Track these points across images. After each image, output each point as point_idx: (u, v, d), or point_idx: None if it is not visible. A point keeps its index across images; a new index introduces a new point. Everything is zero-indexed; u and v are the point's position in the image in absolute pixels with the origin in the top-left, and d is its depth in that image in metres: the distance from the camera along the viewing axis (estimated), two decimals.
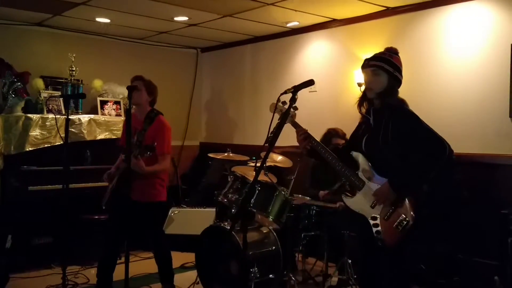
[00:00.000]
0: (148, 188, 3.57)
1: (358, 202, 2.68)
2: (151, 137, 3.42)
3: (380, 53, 2.74)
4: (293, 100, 2.43)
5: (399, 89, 2.71)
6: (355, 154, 2.73)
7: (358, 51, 4.85)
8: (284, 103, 2.60)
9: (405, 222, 2.54)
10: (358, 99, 2.81)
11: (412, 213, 2.54)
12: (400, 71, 2.69)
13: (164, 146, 3.56)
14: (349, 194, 2.73)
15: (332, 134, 4.28)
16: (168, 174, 3.88)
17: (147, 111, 3.63)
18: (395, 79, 2.66)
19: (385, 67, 2.64)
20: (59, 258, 4.42)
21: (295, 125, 2.81)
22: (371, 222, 2.62)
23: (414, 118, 2.61)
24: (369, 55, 2.79)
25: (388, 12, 4.59)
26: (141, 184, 3.47)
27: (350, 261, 3.78)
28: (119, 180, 3.52)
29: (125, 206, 3.31)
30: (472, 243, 3.85)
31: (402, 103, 2.69)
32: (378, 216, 2.61)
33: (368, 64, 2.71)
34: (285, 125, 2.46)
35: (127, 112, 3.06)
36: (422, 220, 2.55)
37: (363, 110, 2.78)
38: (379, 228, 2.59)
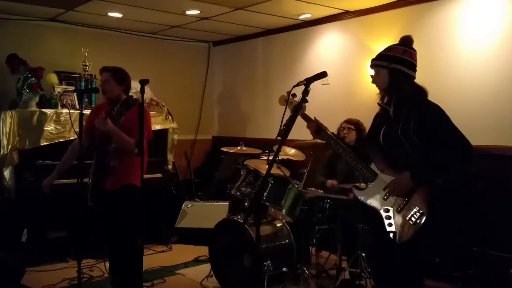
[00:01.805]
0: (121, 173, 3.36)
1: (370, 195, 2.65)
2: (130, 122, 3.29)
3: (384, 49, 2.71)
4: (305, 92, 2.41)
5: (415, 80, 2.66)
6: (368, 145, 2.70)
7: (371, 43, 4.80)
8: (294, 95, 2.58)
9: (418, 215, 2.51)
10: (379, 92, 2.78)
11: (425, 206, 2.51)
12: (400, 61, 2.58)
13: (146, 131, 3.21)
14: (360, 187, 2.71)
15: (343, 122, 4.28)
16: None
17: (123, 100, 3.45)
18: (396, 72, 2.59)
19: (382, 64, 2.63)
20: (74, 252, 4.48)
21: (305, 117, 2.79)
22: (384, 214, 2.59)
23: (439, 111, 2.55)
24: (382, 47, 2.76)
25: (402, 2, 4.52)
26: (115, 173, 3.35)
27: (363, 254, 3.76)
28: (96, 174, 3.41)
29: (104, 199, 3.31)
30: (487, 236, 3.80)
31: (421, 93, 2.63)
32: (391, 209, 2.58)
33: (371, 63, 2.73)
34: (297, 117, 2.45)
35: (140, 107, 3.05)
36: (435, 213, 2.52)
37: (384, 101, 2.74)
38: (392, 221, 2.56)
